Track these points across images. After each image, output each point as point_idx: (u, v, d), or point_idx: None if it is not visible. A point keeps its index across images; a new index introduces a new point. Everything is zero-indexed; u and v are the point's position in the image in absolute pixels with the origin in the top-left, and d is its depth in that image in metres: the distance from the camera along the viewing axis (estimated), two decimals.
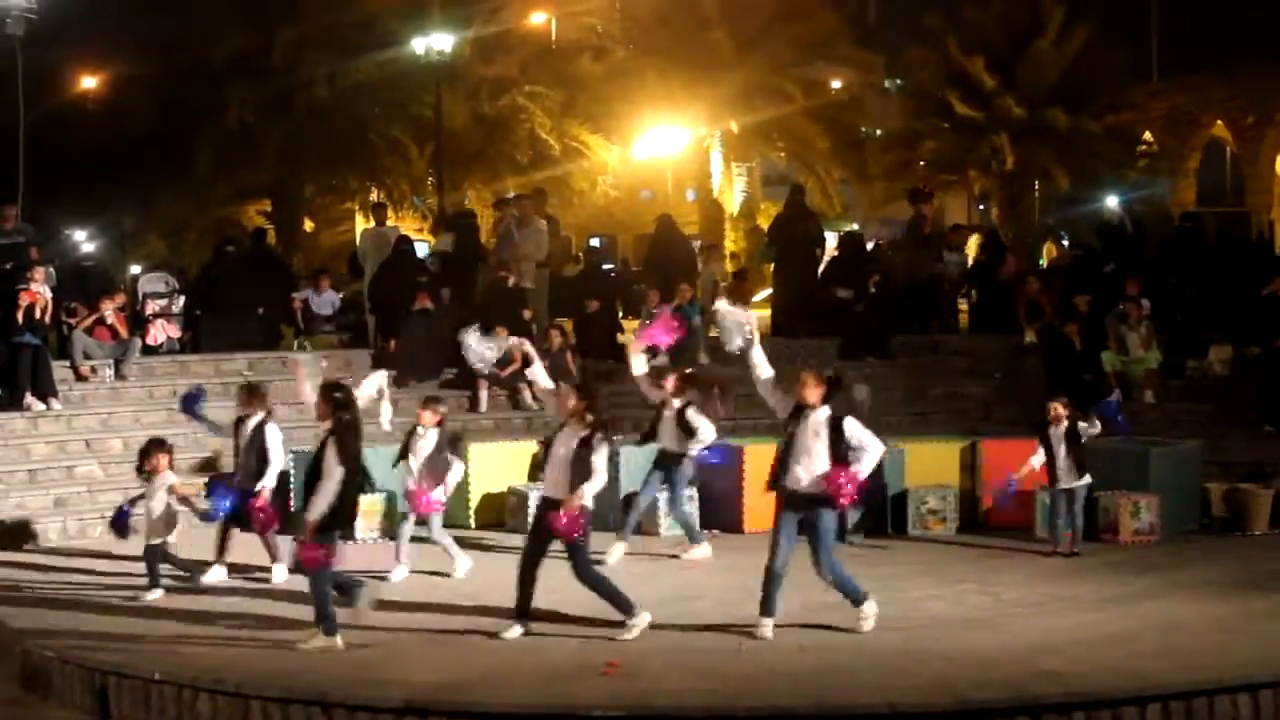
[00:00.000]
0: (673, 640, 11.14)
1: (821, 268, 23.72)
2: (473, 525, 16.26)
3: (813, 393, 11.29)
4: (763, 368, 11.60)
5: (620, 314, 23.74)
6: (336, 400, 11.27)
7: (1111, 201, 31.65)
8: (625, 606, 11.35)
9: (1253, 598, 12.07)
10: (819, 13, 40.10)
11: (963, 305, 23.24)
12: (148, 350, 20.01)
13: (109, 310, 19.29)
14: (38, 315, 18.08)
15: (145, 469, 13.61)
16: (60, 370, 18.45)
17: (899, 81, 43.54)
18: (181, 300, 21.47)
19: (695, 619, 11.84)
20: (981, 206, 49.06)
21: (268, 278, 22.70)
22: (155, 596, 13.22)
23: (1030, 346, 19.50)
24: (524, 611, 11.46)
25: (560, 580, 11.44)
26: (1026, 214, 35.63)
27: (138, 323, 20.52)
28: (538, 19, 36.67)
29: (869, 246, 25.95)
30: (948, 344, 20.87)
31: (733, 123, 38.44)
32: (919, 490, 15.61)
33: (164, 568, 13.47)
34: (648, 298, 21.47)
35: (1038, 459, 14.42)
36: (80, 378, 18.79)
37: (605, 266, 30.99)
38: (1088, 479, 14.39)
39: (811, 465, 11.18)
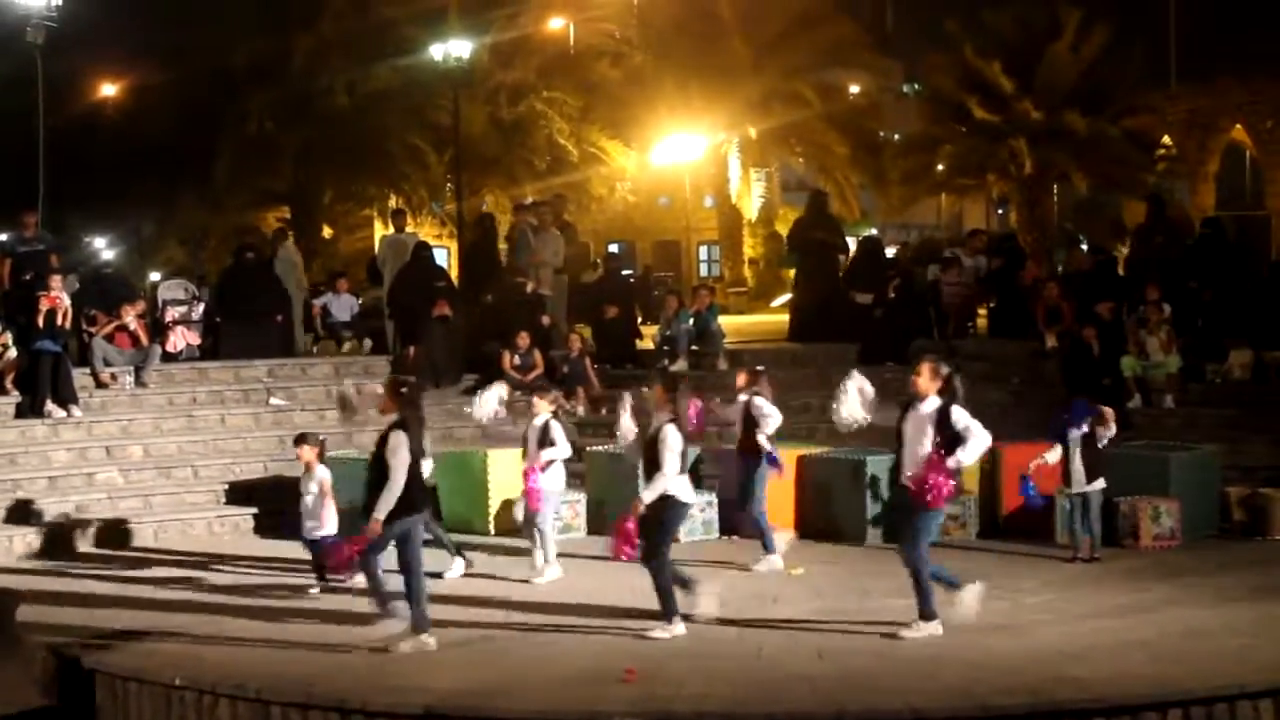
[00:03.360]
0: (693, 645, 11.13)
1: (842, 272, 23.66)
2: (491, 531, 16.23)
3: (928, 384, 11.20)
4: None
5: (640, 319, 23.72)
6: (403, 396, 11.47)
7: None
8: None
9: (1273, 603, 12.02)
10: (836, 18, 40.14)
11: (981, 310, 23.16)
12: (168, 357, 20.05)
13: (130, 317, 19.35)
14: (59, 322, 18.16)
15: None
16: (81, 377, 18.49)
17: (916, 86, 43.60)
18: (201, 307, 21.52)
19: (716, 623, 11.79)
20: (1000, 211, 49.03)
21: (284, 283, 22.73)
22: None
23: (1050, 352, 19.44)
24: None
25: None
26: (1045, 218, 35.61)
27: (158, 330, 20.57)
28: (555, 24, 36.77)
29: (890, 252, 25.88)
30: (966, 349, 20.80)
31: (751, 128, 38.46)
32: None
33: None
34: (666, 303, 21.50)
35: (1053, 454, 14.33)
36: (100, 385, 18.84)
37: (624, 272, 30.99)
38: (1101, 483, 14.30)
39: (917, 458, 11.14)
